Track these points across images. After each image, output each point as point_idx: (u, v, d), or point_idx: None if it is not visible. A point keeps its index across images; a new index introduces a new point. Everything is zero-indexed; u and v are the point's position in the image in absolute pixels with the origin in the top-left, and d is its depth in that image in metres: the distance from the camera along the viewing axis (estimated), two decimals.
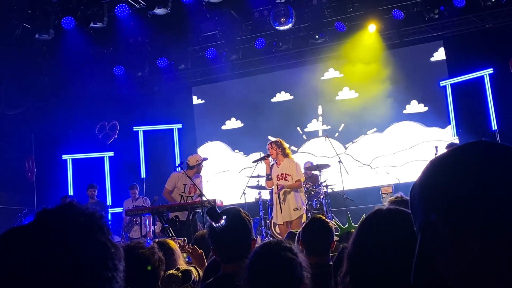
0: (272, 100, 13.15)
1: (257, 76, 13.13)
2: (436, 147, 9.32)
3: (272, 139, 8.72)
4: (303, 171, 8.77)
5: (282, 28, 10.90)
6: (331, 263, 3.32)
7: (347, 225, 5.20)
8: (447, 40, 12.00)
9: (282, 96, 13.13)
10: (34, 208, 11.88)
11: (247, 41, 12.03)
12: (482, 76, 11.25)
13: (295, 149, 12.42)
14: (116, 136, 13.02)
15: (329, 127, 12.57)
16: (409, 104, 12.15)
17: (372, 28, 11.41)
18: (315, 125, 12.81)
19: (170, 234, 7.28)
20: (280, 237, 7.29)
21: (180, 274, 3.33)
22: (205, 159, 8.92)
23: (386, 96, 12.00)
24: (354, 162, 12.12)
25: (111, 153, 13.02)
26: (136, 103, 13.17)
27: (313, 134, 12.75)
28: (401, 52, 12.20)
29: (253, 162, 8.72)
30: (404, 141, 11.96)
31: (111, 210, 12.10)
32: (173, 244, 3.83)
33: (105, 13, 10.11)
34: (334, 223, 5.25)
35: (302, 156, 12.10)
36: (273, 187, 8.24)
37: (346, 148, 12.44)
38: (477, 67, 11.22)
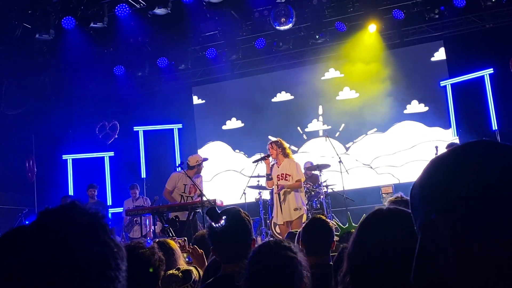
0: (273, 100, 13.15)
1: (258, 76, 13.12)
2: (436, 147, 9.32)
3: (273, 139, 8.72)
4: (303, 171, 8.77)
5: (282, 28, 10.90)
6: (331, 263, 3.32)
7: (347, 225, 5.20)
8: (447, 40, 11.99)
9: (283, 96, 13.13)
10: (35, 208, 11.88)
11: (247, 41, 12.03)
12: (483, 76, 11.25)
13: (295, 149, 12.42)
14: (116, 136, 13.03)
15: (329, 127, 12.57)
16: (410, 104, 12.15)
17: (372, 28, 11.41)
18: (315, 125, 12.81)
19: (170, 234, 7.28)
20: (281, 237, 7.29)
21: (180, 274, 3.33)
22: (205, 159, 8.92)
23: (387, 96, 11.99)
24: (354, 162, 12.12)
25: (112, 153, 13.02)
26: (136, 103, 13.17)
27: (314, 134, 12.75)
28: (402, 52, 12.20)
29: (253, 162, 8.73)
30: (405, 141, 11.96)
31: (111, 210, 12.10)
32: (174, 244, 3.83)
33: (105, 13, 10.11)
34: (335, 223, 5.26)
35: (303, 156, 12.10)
36: (273, 187, 8.24)
37: (346, 148, 12.44)
38: (478, 67, 11.22)
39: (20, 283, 0.90)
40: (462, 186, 0.92)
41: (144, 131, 13.12)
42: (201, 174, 8.88)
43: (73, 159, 12.84)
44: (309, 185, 9.91)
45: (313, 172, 10.54)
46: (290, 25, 10.85)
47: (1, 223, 10.55)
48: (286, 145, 8.25)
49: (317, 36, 11.45)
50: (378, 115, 12.03)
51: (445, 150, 1.08)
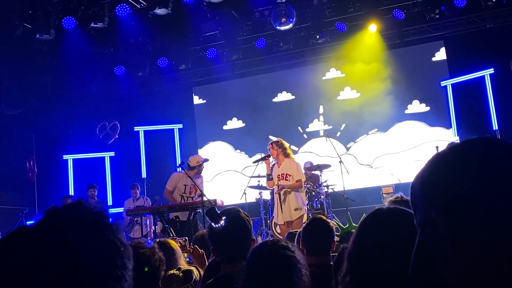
0: (274, 100, 13.15)
1: (258, 76, 13.13)
2: (437, 147, 9.34)
3: (273, 139, 8.73)
4: (303, 171, 8.77)
5: (282, 28, 10.90)
6: (331, 263, 3.32)
7: (347, 225, 5.20)
8: (448, 40, 11.99)
9: (284, 96, 13.13)
10: (35, 208, 11.89)
11: (248, 41, 12.03)
12: (483, 76, 11.24)
13: (296, 149, 12.42)
14: (117, 136, 13.03)
15: (330, 127, 12.57)
16: (411, 104, 12.15)
17: (372, 28, 11.41)
18: (316, 125, 12.80)
19: (171, 234, 7.28)
20: (281, 237, 7.29)
21: (181, 274, 3.33)
22: (206, 160, 8.92)
23: (388, 96, 11.99)
24: (355, 162, 12.12)
25: (112, 153, 13.02)
26: (136, 103, 13.17)
27: (315, 134, 12.75)
28: (402, 52, 12.20)
29: (253, 162, 8.73)
30: (406, 141, 11.95)
31: (111, 210, 12.10)
32: (174, 244, 3.83)
33: (106, 13, 10.11)
34: (335, 223, 5.26)
35: (303, 156, 12.10)
36: (274, 187, 8.25)
37: (347, 148, 12.44)
38: (478, 67, 11.21)
39: (25, 282, 0.90)
40: (462, 185, 0.91)
41: (145, 131, 13.12)
42: (201, 174, 8.88)
43: (73, 159, 12.84)
44: (309, 185, 9.91)
45: (313, 172, 10.54)
46: (290, 25, 10.85)
47: (1, 223, 10.55)
48: (287, 145, 8.25)
49: (317, 36, 11.45)
50: (379, 115, 12.03)
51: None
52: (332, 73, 12.84)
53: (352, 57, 12.20)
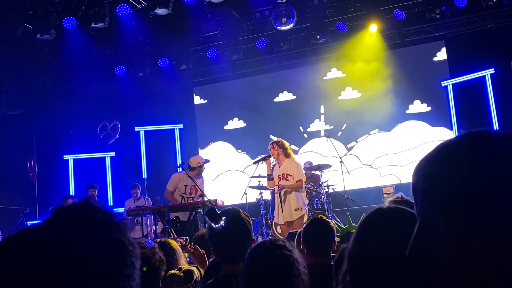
0: (275, 100, 13.15)
1: (259, 76, 13.13)
2: None
3: (274, 139, 8.73)
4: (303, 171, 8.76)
5: (283, 28, 10.89)
6: (332, 263, 3.32)
7: (347, 226, 5.20)
8: (448, 40, 11.99)
9: (285, 96, 13.13)
10: (36, 208, 11.90)
11: (248, 41, 12.03)
12: (484, 76, 11.24)
13: (296, 148, 12.42)
14: (117, 136, 13.04)
15: (331, 127, 12.57)
16: (412, 104, 12.14)
17: (373, 28, 11.41)
18: (317, 125, 12.80)
19: (171, 235, 7.28)
20: (282, 237, 7.29)
21: (182, 274, 3.32)
22: (207, 161, 8.92)
23: (389, 96, 11.99)
24: (355, 162, 12.12)
25: (113, 153, 13.02)
26: (137, 103, 13.18)
27: (316, 134, 12.75)
28: (403, 52, 12.20)
29: (254, 162, 8.73)
30: (407, 141, 11.93)
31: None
32: (175, 244, 3.83)
33: (106, 13, 10.11)
34: (334, 224, 5.25)
35: (304, 156, 12.10)
36: (275, 187, 8.25)
37: (348, 148, 12.43)
38: (479, 67, 11.21)
39: (33, 282, 0.90)
40: (462, 185, 0.91)
41: (145, 131, 13.13)
42: (202, 175, 8.89)
43: (74, 159, 12.85)
44: (310, 185, 9.91)
45: (314, 172, 10.54)
46: (291, 25, 10.85)
47: (2, 223, 10.56)
48: (287, 145, 8.25)
49: (318, 36, 11.44)
50: (380, 115, 12.02)
51: None
52: (333, 73, 12.84)
53: (352, 57, 12.20)
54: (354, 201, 10.45)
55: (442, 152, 0.99)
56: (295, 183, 7.92)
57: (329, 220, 3.75)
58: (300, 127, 12.83)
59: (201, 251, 3.96)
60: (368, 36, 11.61)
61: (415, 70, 12.18)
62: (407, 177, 11.25)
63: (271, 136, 11.55)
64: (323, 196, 9.82)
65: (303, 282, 2.21)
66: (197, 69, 12.96)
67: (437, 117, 11.83)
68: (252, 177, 9.71)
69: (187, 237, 4.82)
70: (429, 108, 12.05)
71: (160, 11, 10.03)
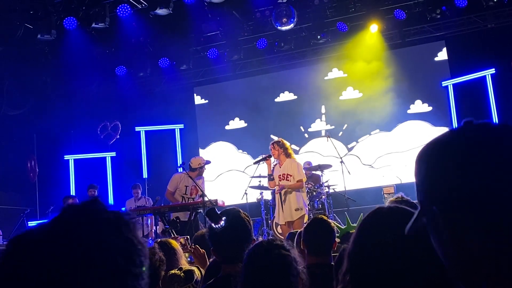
0: (276, 100, 13.15)
1: (260, 76, 13.13)
2: None
3: (275, 138, 8.72)
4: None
5: (284, 28, 10.89)
6: (332, 263, 3.32)
7: (346, 226, 5.20)
8: (449, 40, 11.98)
9: (286, 96, 13.13)
10: (36, 209, 11.90)
11: (249, 41, 12.02)
12: (484, 76, 11.23)
13: (297, 148, 12.42)
14: (118, 137, 13.03)
15: (332, 127, 12.56)
16: (413, 104, 12.14)
17: (374, 28, 11.40)
18: (318, 125, 12.80)
19: (172, 235, 7.28)
20: (282, 237, 7.29)
21: (182, 274, 3.33)
22: (208, 162, 8.92)
23: (390, 96, 11.98)
24: (356, 162, 12.11)
25: (113, 153, 13.01)
26: (137, 103, 13.17)
27: (317, 134, 12.74)
28: (403, 52, 12.19)
29: (254, 163, 8.72)
30: (408, 141, 11.90)
31: None
32: (175, 244, 3.83)
33: (107, 14, 10.11)
34: (334, 225, 5.24)
35: (305, 156, 12.10)
36: (275, 187, 8.24)
37: (348, 148, 12.43)
38: (479, 67, 11.20)
39: (42, 280, 0.90)
40: (461, 185, 0.91)
41: (146, 131, 13.12)
42: (203, 175, 8.89)
43: (74, 160, 12.84)
44: (310, 185, 9.90)
45: (314, 172, 10.53)
46: (291, 25, 10.84)
47: (2, 223, 10.56)
48: (288, 145, 8.24)
49: (318, 36, 11.44)
50: (381, 115, 12.01)
51: None
52: (334, 73, 12.83)
53: (353, 57, 12.20)
54: (354, 201, 10.45)
55: (442, 146, 0.98)
56: (296, 183, 7.91)
57: (330, 220, 3.75)
58: (301, 127, 12.83)
59: (202, 251, 3.96)
60: (369, 36, 11.61)
61: (415, 70, 12.17)
62: (408, 177, 11.25)
63: (272, 136, 11.56)
64: (323, 196, 9.82)
65: (302, 282, 2.21)
66: (197, 69, 12.96)
67: (437, 117, 11.82)
68: (253, 177, 9.70)
69: (188, 236, 4.82)
70: (430, 108, 12.04)
71: (161, 11, 10.03)
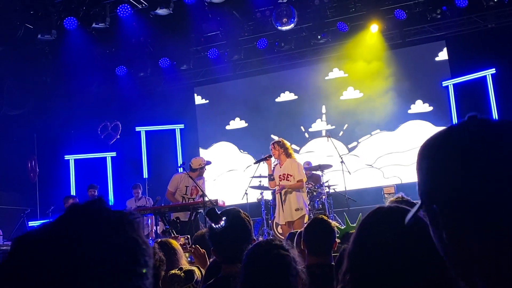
0: (277, 100, 13.15)
1: (261, 76, 13.13)
2: None
3: (275, 138, 8.72)
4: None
5: (284, 28, 10.89)
6: (333, 263, 3.32)
7: (345, 226, 5.19)
8: (449, 40, 11.98)
9: (286, 96, 13.13)
10: (37, 208, 11.90)
11: (249, 41, 12.02)
12: (485, 76, 11.22)
13: (297, 148, 12.42)
14: (118, 137, 13.03)
15: (333, 127, 12.56)
16: (414, 104, 12.13)
17: (374, 28, 11.40)
18: (319, 125, 12.79)
19: (172, 235, 7.28)
20: (282, 237, 7.28)
21: (182, 274, 3.33)
22: (208, 162, 8.92)
23: (390, 96, 11.97)
24: (356, 162, 12.11)
25: (114, 154, 13.02)
26: (138, 103, 13.17)
27: (317, 134, 12.74)
28: (404, 52, 12.19)
29: (254, 163, 8.72)
30: (409, 141, 11.89)
31: None
32: (176, 244, 3.83)
33: (107, 14, 10.11)
34: (334, 225, 5.24)
35: (305, 156, 12.10)
36: (276, 187, 8.24)
37: (348, 149, 12.42)
38: (480, 67, 11.19)
39: (48, 280, 0.90)
40: (461, 185, 0.91)
41: (146, 131, 13.12)
42: (203, 176, 8.89)
43: (75, 160, 12.84)
44: (311, 185, 9.90)
45: (314, 172, 10.53)
46: (292, 26, 10.84)
47: (2, 223, 10.56)
48: (289, 145, 8.24)
49: (319, 36, 11.44)
50: (382, 115, 12.01)
51: None
52: (335, 73, 12.83)
53: (354, 57, 12.20)
54: (355, 201, 10.44)
55: (444, 142, 0.98)
56: (296, 183, 7.91)
57: (330, 220, 3.75)
58: (302, 127, 12.83)
59: (202, 251, 3.96)
60: (369, 36, 11.60)
61: (416, 70, 12.17)
62: (409, 177, 11.26)
63: (273, 136, 11.56)
64: (324, 196, 9.82)
65: (301, 281, 2.21)
66: (198, 69, 12.96)
67: (438, 117, 11.81)
68: (253, 177, 9.70)
69: (188, 236, 4.82)
70: (430, 108, 12.04)
71: (161, 11, 10.03)
